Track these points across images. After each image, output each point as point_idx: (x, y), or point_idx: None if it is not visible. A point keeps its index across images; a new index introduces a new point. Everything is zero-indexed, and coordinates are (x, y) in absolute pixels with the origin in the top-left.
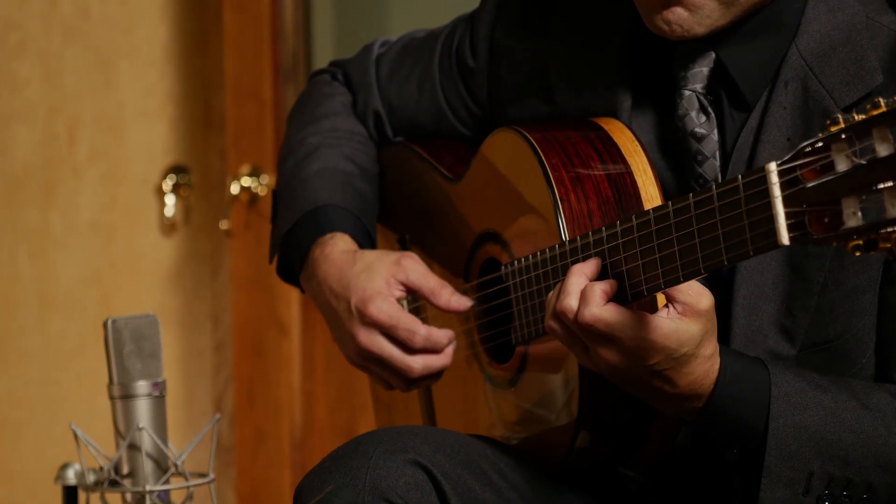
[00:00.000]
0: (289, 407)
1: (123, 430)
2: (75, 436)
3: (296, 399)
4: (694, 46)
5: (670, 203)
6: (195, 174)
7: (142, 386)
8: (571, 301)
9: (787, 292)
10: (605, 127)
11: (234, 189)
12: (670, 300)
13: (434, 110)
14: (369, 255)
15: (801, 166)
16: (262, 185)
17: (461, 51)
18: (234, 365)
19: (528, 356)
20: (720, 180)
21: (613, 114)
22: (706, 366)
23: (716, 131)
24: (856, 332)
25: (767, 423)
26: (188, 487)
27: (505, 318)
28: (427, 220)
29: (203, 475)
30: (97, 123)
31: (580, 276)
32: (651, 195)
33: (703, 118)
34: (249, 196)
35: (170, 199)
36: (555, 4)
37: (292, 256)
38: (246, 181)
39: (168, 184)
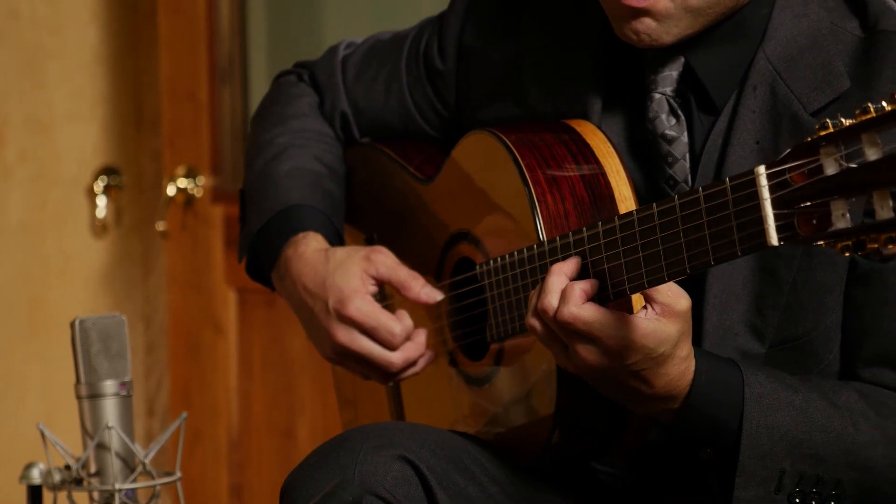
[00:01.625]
0: (225, 407)
1: (91, 429)
2: (42, 435)
3: (232, 399)
4: (664, 51)
5: (654, 205)
6: (126, 175)
7: (109, 385)
8: (552, 299)
9: (756, 292)
10: (578, 129)
11: (171, 190)
12: (649, 301)
13: (401, 111)
14: (340, 253)
15: (790, 169)
16: (198, 186)
17: (429, 53)
18: (169, 365)
19: (504, 353)
20: (690, 182)
21: (584, 116)
22: (682, 367)
23: (686, 133)
24: (823, 329)
25: (741, 423)
26: (155, 486)
27: (478, 317)
28: (396, 220)
29: (169, 474)
30: (26, 125)
31: (560, 275)
32: (625, 196)
33: (673, 121)
34: (185, 197)
35: (101, 201)
36: (525, 8)
37: (263, 255)
38: (182, 182)
39: (99, 185)
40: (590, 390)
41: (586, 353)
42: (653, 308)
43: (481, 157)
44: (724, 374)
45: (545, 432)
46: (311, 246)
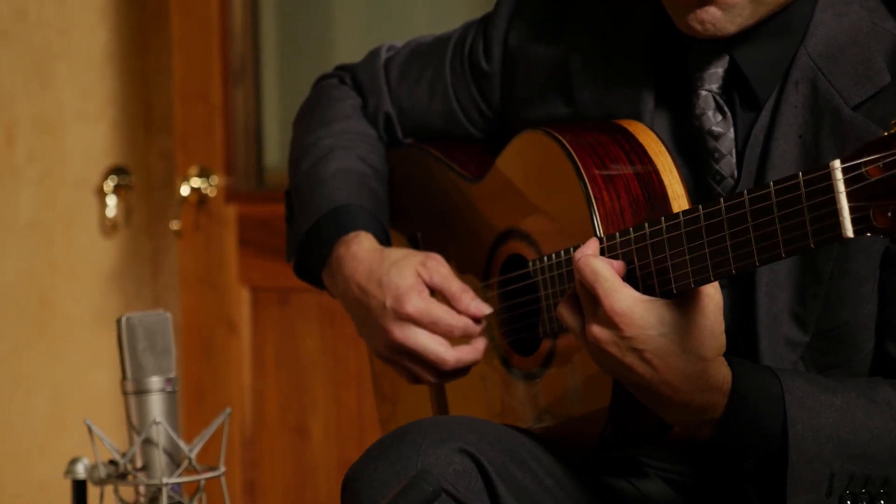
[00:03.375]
0: (239, 405)
1: (137, 425)
2: (90, 430)
3: (246, 397)
4: (708, 49)
5: (721, 199)
6: (136, 175)
7: (155, 381)
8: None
9: (799, 282)
10: (630, 129)
11: (184, 190)
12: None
13: (445, 112)
14: (396, 253)
15: (867, 163)
16: (211, 185)
17: (474, 54)
18: (183, 364)
19: (556, 348)
20: (737, 176)
21: (636, 113)
22: (698, 366)
23: (732, 130)
24: (861, 318)
25: (785, 429)
26: (199, 480)
27: (529, 313)
28: (441, 218)
29: (213, 468)
30: (35, 125)
31: (595, 244)
32: (677, 193)
33: (720, 117)
34: (198, 197)
35: (111, 200)
36: (571, 9)
37: (313, 255)
38: (195, 182)
39: (109, 185)
40: None
41: (591, 321)
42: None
43: (535, 156)
44: (762, 380)
45: (599, 426)
46: (363, 245)
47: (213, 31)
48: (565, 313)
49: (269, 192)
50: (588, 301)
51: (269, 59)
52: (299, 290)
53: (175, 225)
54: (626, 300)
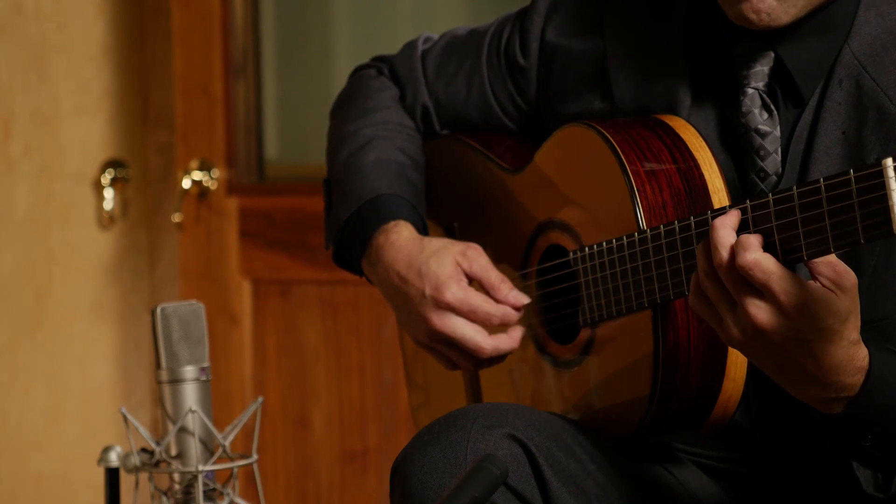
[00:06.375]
0: (240, 395)
1: (172, 413)
2: (125, 419)
3: (247, 388)
4: (753, 46)
5: (770, 195)
6: (133, 168)
7: (189, 371)
8: (724, 253)
9: None
10: (670, 123)
11: (185, 183)
12: (816, 274)
13: (482, 105)
14: (436, 242)
15: None
16: (212, 178)
17: (510, 49)
18: None
19: (596, 337)
20: (781, 173)
21: (673, 109)
22: (850, 351)
23: (778, 128)
24: None
25: None
26: (233, 468)
27: (568, 302)
28: (479, 209)
29: (245, 456)
30: (32, 119)
31: (727, 228)
32: (717, 187)
33: (766, 115)
34: (199, 189)
35: (108, 193)
36: (609, 5)
37: (353, 243)
38: (196, 175)
39: (106, 178)
40: (685, 370)
41: (756, 309)
42: (821, 280)
43: (577, 148)
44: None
45: (639, 414)
46: (402, 234)
47: (214, 25)
48: (718, 305)
49: (269, 185)
50: (745, 288)
51: (270, 52)
52: (300, 282)
53: (176, 217)
54: (801, 294)
